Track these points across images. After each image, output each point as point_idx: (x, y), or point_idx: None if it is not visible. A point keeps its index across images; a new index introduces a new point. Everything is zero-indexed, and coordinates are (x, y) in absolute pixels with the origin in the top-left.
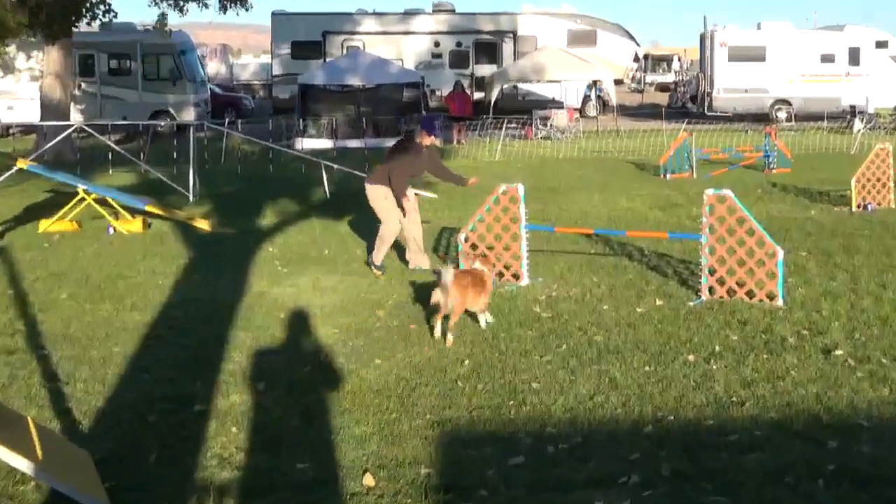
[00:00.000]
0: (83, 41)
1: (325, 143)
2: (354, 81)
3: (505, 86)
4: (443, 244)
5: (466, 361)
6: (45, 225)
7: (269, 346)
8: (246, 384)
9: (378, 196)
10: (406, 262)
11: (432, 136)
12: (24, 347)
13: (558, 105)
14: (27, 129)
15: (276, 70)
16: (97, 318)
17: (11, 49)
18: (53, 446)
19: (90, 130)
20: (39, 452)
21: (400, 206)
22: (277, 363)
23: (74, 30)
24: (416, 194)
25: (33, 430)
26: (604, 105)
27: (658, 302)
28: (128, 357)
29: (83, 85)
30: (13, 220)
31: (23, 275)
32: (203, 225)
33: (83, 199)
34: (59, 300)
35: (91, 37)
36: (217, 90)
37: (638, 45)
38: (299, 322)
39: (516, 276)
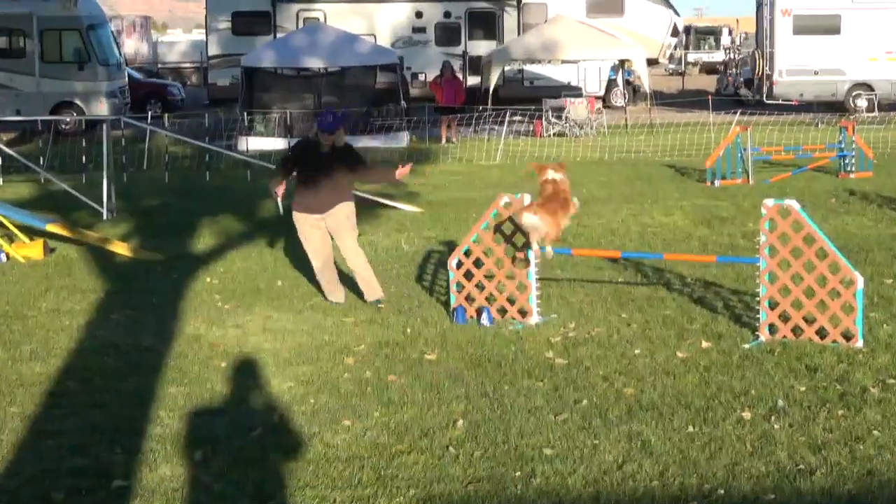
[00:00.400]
0: None
1: (277, 143)
2: (314, 63)
3: (507, 68)
4: (429, 271)
5: (460, 422)
6: None
7: (208, 405)
8: (179, 453)
9: (295, 222)
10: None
11: (334, 134)
12: None
13: (575, 92)
14: None
15: (213, 49)
16: None
17: None
18: None
19: None
20: None
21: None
22: (219, 426)
23: None
24: (385, 205)
25: None
26: (634, 92)
27: (704, 344)
28: (27, 419)
29: None
30: None
31: None
32: (122, 249)
33: None
34: None
35: None
36: (137, 76)
37: (677, 14)
38: (246, 373)
39: (523, 313)
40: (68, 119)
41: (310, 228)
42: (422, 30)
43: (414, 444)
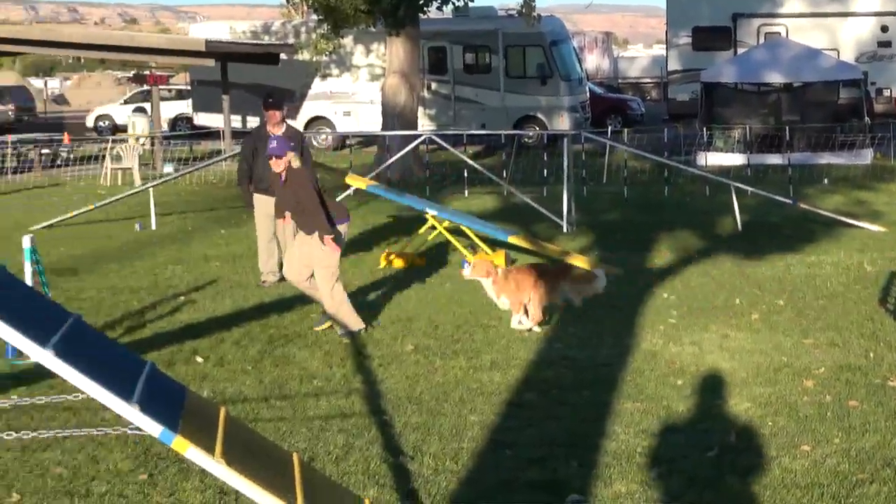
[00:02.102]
0: (433, 31)
1: (736, 159)
2: (774, 79)
3: None
4: (893, 293)
5: None
6: (386, 259)
7: (664, 422)
8: (634, 470)
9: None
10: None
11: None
12: (361, 411)
13: None
14: (367, 140)
15: (673, 65)
16: (449, 377)
17: (348, 41)
18: (321, 492)
19: (441, 142)
20: (300, 498)
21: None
22: (674, 444)
23: (422, 17)
24: (847, 224)
25: (297, 472)
26: None
27: None
28: (486, 428)
29: (433, 85)
30: (349, 251)
31: (366, 320)
32: (581, 263)
33: (433, 228)
34: (403, 353)
35: (442, 25)
36: (598, 91)
37: None
38: (702, 392)
39: None
40: (531, 133)
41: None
42: (887, 44)
43: (876, 474)
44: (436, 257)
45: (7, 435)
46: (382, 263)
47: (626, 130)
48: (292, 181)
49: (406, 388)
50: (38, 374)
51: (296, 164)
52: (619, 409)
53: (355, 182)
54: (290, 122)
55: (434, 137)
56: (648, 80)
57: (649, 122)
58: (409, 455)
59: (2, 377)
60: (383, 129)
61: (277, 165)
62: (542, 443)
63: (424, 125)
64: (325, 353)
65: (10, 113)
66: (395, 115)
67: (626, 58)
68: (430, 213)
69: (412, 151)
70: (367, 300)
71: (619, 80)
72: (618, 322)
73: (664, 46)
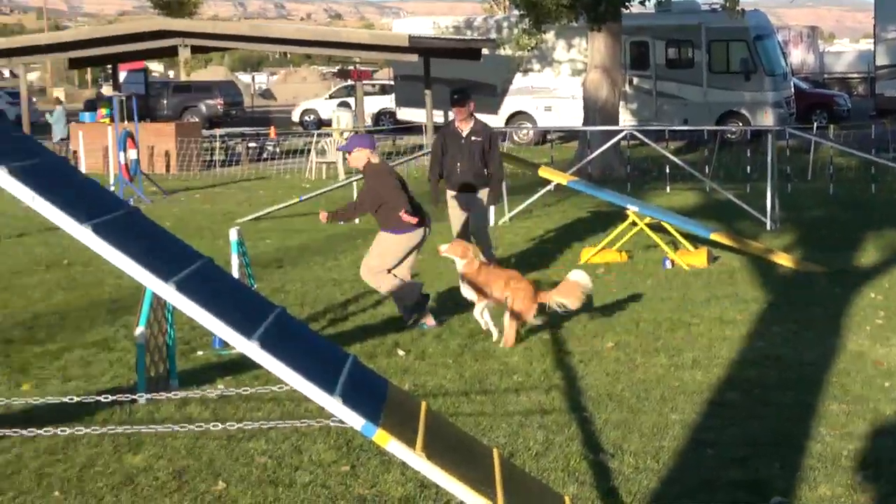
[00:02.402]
0: (634, 25)
1: None
2: None
3: None
4: None
5: None
6: (587, 254)
7: (871, 424)
8: (840, 473)
9: None
10: None
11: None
12: (561, 407)
13: None
14: (568, 135)
15: (881, 59)
16: (650, 374)
17: (549, 37)
18: (522, 488)
19: (642, 137)
20: (500, 494)
21: None
22: (881, 447)
23: (624, 11)
24: None
25: (497, 467)
26: None
27: None
28: (687, 427)
29: (635, 80)
30: (550, 246)
31: (565, 317)
32: (785, 261)
33: (634, 224)
34: (603, 350)
35: (644, 20)
36: (802, 86)
37: None
38: None
39: None
40: (734, 129)
41: None
42: None
43: None
44: (637, 253)
45: (214, 425)
46: (583, 258)
47: (831, 126)
48: (369, 176)
49: (606, 384)
50: (244, 365)
51: (375, 159)
52: (824, 410)
53: (555, 177)
54: (479, 115)
55: (636, 133)
56: (855, 75)
57: (856, 118)
58: (610, 453)
59: (209, 367)
60: (584, 124)
61: (351, 162)
62: (744, 443)
63: (626, 120)
64: (524, 348)
65: (218, 107)
66: (597, 111)
67: (832, 52)
68: (631, 209)
69: (613, 147)
70: None
71: (825, 76)
72: (822, 321)
73: (872, 41)
